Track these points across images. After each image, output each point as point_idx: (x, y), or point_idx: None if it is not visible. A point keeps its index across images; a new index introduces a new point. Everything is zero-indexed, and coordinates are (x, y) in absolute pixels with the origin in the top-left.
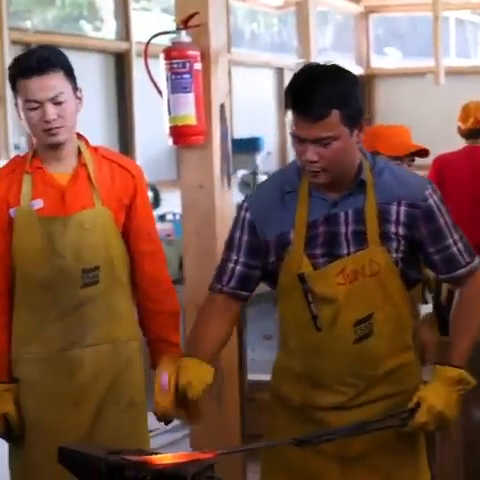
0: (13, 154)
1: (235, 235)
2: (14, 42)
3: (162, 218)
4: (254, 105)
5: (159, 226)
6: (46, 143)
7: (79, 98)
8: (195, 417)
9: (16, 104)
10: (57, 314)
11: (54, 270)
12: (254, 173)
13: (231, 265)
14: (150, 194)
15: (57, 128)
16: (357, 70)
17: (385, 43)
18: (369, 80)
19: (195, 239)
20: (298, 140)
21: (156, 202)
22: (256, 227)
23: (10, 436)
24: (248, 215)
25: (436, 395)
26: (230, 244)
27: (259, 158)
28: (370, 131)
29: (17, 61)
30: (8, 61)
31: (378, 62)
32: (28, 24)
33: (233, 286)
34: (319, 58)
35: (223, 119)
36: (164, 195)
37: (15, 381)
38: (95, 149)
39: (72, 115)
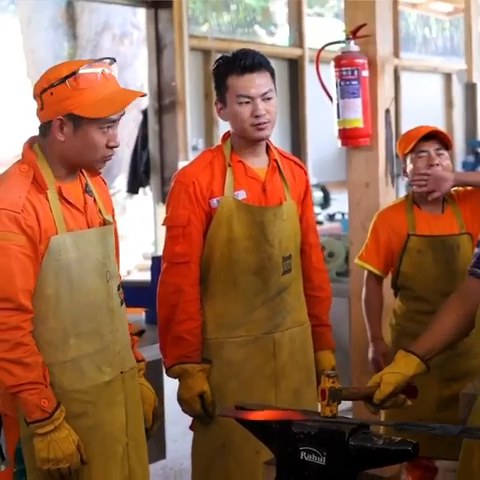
0: (191, 155)
1: None
2: (193, 48)
3: (331, 217)
4: (422, 109)
5: (328, 225)
6: (252, 137)
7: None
8: None
9: (216, 102)
10: (265, 299)
11: (264, 257)
12: None
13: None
14: (320, 194)
15: (265, 123)
16: None
17: None
18: None
19: (361, 233)
20: None
21: (326, 202)
22: None
23: (202, 415)
24: None
25: None
26: None
27: None
28: None
29: (228, 61)
30: (188, 67)
31: None
32: (204, 29)
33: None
34: None
35: (388, 123)
36: (333, 195)
37: (207, 362)
38: (274, 147)
39: (276, 112)
